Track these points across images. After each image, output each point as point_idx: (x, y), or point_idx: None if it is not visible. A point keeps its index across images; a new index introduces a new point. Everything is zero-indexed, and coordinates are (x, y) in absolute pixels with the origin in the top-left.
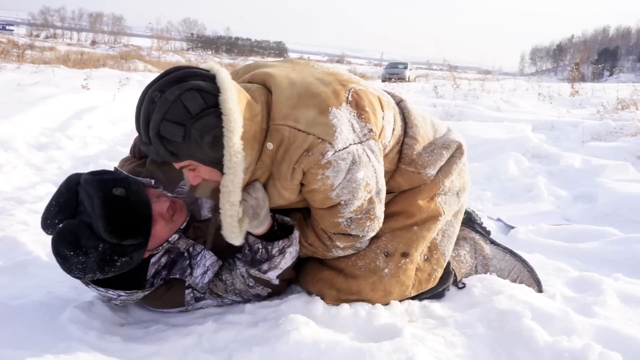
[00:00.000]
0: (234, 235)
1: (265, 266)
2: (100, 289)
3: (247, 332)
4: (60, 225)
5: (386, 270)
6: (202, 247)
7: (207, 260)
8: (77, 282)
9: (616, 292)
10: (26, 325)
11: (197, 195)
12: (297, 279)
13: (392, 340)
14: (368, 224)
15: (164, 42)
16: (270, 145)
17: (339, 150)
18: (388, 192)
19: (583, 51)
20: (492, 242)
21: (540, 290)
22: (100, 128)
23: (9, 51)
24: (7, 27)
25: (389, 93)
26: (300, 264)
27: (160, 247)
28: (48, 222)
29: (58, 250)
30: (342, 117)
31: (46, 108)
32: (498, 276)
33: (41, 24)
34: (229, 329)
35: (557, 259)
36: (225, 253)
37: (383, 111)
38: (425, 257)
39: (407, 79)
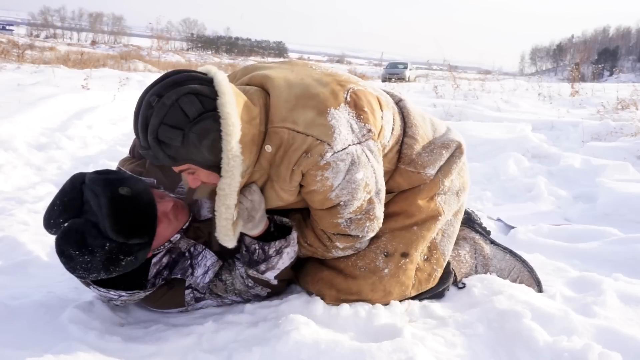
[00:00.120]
0: (227, 238)
1: (262, 267)
2: (102, 289)
3: (247, 332)
4: (66, 225)
5: (386, 271)
6: (203, 247)
7: (207, 260)
8: (77, 282)
9: (616, 292)
10: (26, 325)
11: (196, 197)
12: (297, 279)
13: (392, 340)
14: (368, 224)
15: (164, 42)
16: (269, 148)
17: (338, 151)
18: (388, 192)
19: (583, 51)
20: (492, 242)
21: (540, 290)
22: (100, 128)
23: (9, 51)
24: (7, 27)
25: (388, 93)
26: (300, 264)
27: (162, 247)
28: (52, 221)
29: (63, 249)
30: (341, 118)
31: (46, 108)
32: (498, 276)
33: (41, 24)
34: (229, 329)
35: (557, 259)
36: (226, 253)
37: (382, 111)
38: (425, 257)
39: (407, 79)
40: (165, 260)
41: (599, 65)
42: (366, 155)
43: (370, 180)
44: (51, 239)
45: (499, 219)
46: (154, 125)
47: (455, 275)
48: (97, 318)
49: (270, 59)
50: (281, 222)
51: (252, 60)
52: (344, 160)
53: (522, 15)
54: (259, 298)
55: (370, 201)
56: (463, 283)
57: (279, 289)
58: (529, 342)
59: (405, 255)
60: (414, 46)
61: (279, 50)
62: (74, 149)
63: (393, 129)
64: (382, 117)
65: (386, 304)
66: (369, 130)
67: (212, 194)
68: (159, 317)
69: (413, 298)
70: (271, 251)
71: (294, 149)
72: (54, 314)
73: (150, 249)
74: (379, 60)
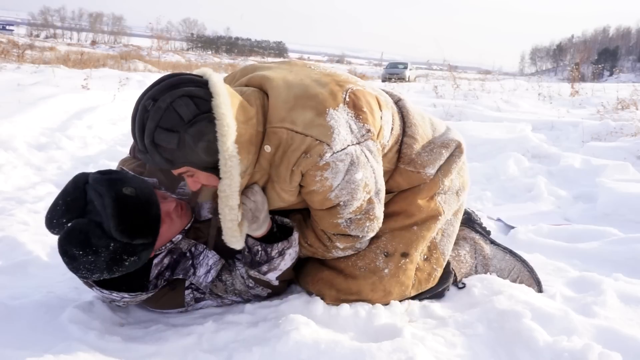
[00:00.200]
0: (234, 240)
1: (264, 267)
2: (105, 291)
3: (247, 332)
4: (69, 225)
5: (386, 271)
6: (204, 246)
7: (209, 260)
8: (78, 282)
9: (616, 292)
10: (26, 325)
11: (199, 201)
12: (297, 279)
13: (392, 340)
14: (367, 224)
15: (164, 42)
16: (268, 148)
17: (337, 152)
18: (387, 192)
19: (583, 51)
20: (492, 242)
21: (540, 290)
22: (100, 128)
23: (9, 51)
24: (7, 27)
25: (387, 92)
26: (300, 264)
27: (163, 248)
28: (54, 221)
29: (66, 249)
30: (340, 118)
31: (46, 108)
32: (498, 276)
33: (41, 24)
34: (229, 329)
35: (557, 259)
36: (226, 253)
37: (381, 111)
38: (425, 256)
39: (407, 79)
40: (166, 261)
41: (599, 65)
42: (365, 156)
43: (370, 180)
44: (51, 239)
45: (499, 219)
46: (150, 129)
47: (455, 275)
48: (97, 318)
49: (270, 59)
50: (282, 223)
51: (252, 60)
52: (343, 161)
53: (522, 15)
54: (259, 298)
55: (370, 201)
56: (463, 283)
57: (279, 289)
58: (529, 342)
59: (405, 255)
60: (414, 46)
61: (279, 50)
62: (74, 149)
63: (392, 128)
64: (381, 117)
65: (386, 304)
66: (368, 131)
67: (216, 197)
68: (159, 317)
69: (413, 298)
70: (274, 252)
71: (292, 149)
72: (54, 314)
73: (153, 250)
74: (379, 60)
